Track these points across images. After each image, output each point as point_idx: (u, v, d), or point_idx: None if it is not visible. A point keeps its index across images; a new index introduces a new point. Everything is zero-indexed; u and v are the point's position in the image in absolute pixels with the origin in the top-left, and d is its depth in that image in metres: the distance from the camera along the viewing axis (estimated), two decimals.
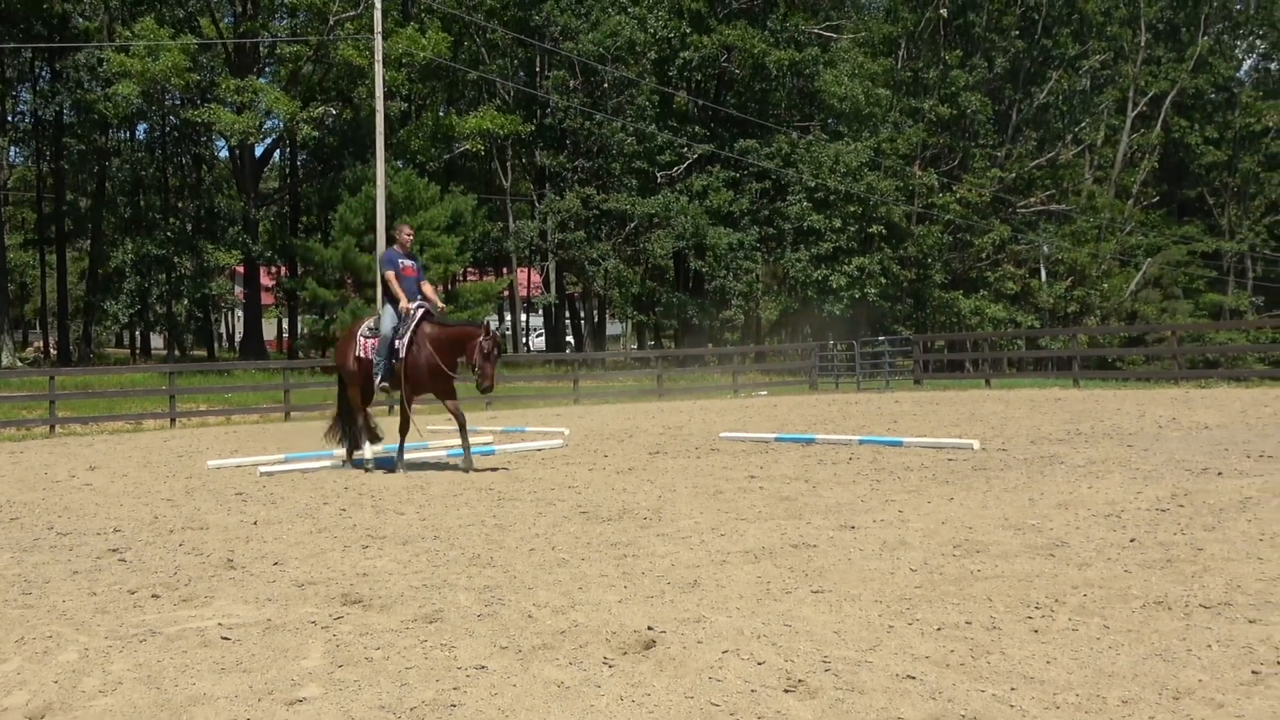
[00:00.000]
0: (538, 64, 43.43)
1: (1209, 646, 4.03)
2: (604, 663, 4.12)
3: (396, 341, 11.80)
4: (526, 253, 44.85)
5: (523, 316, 49.04)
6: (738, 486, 9.05)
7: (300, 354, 42.42)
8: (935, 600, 4.87)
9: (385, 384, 11.92)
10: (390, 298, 12.07)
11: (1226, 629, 4.24)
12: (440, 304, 12.35)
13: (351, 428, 12.52)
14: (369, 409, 12.79)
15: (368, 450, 12.26)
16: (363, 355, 12.21)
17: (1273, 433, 12.04)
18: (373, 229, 31.20)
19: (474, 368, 11.63)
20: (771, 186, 41.80)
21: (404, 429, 12.12)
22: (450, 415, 12.12)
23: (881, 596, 4.98)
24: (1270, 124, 57.29)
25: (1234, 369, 30.05)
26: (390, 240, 13.27)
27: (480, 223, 39.40)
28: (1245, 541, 5.91)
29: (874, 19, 50.36)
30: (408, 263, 12.24)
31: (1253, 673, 3.72)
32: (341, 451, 12.61)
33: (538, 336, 56.12)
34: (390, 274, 12.07)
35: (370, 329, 12.28)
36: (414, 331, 11.78)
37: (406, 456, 12.20)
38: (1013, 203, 47.02)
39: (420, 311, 11.90)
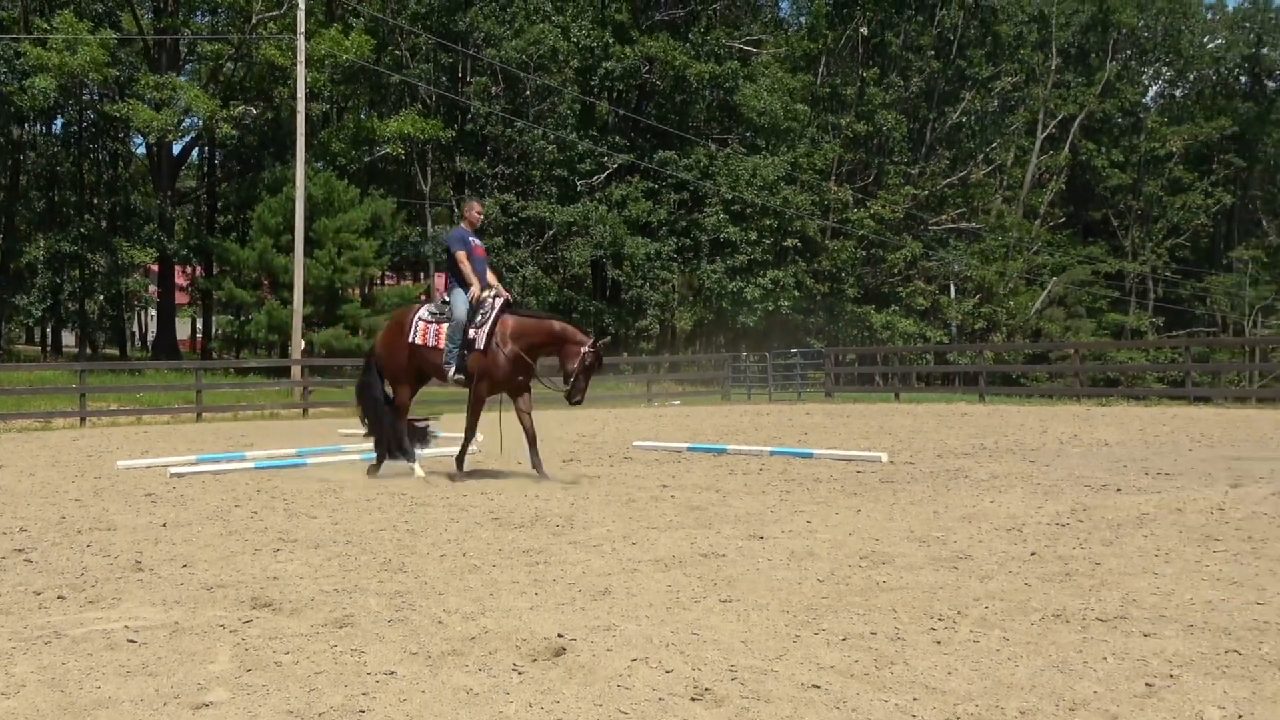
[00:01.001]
0: (460, 70, 43.20)
1: (1105, 659, 4.12)
2: (513, 670, 4.12)
3: (473, 331, 10.70)
4: (445, 257, 44.49)
5: None
6: (650, 495, 9.09)
7: (214, 354, 41.76)
8: (841, 610, 4.93)
9: (459, 376, 10.78)
10: (460, 280, 10.94)
11: (1122, 642, 4.34)
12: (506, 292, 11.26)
13: (394, 431, 11.09)
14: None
15: (419, 468, 11.05)
16: (419, 341, 10.95)
17: (1170, 451, 12.40)
18: (291, 230, 30.86)
19: (570, 376, 10.60)
20: (689, 198, 42.05)
21: (471, 432, 11.15)
22: (519, 421, 10.94)
23: (789, 606, 5.03)
24: (1174, 149, 59.04)
25: (1134, 388, 30.85)
26: (457, 218, 11.90)
27: (399, 227, 39.21)
28: (1141, 557, 6.07)
29: (795, 35, 50.91)
30: (477, 242, 11.27)
31: (1146, 685, 3.81)
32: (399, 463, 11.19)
33: None
34: (462, 254, 10.99)
35: (432, 313, 11.04)
36: (495, 323, 10.73)
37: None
38: (925, 220, 47.82)
39: (500, 301, 10.91)
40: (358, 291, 39.67)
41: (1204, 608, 4.86)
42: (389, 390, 11.32)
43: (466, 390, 11.06)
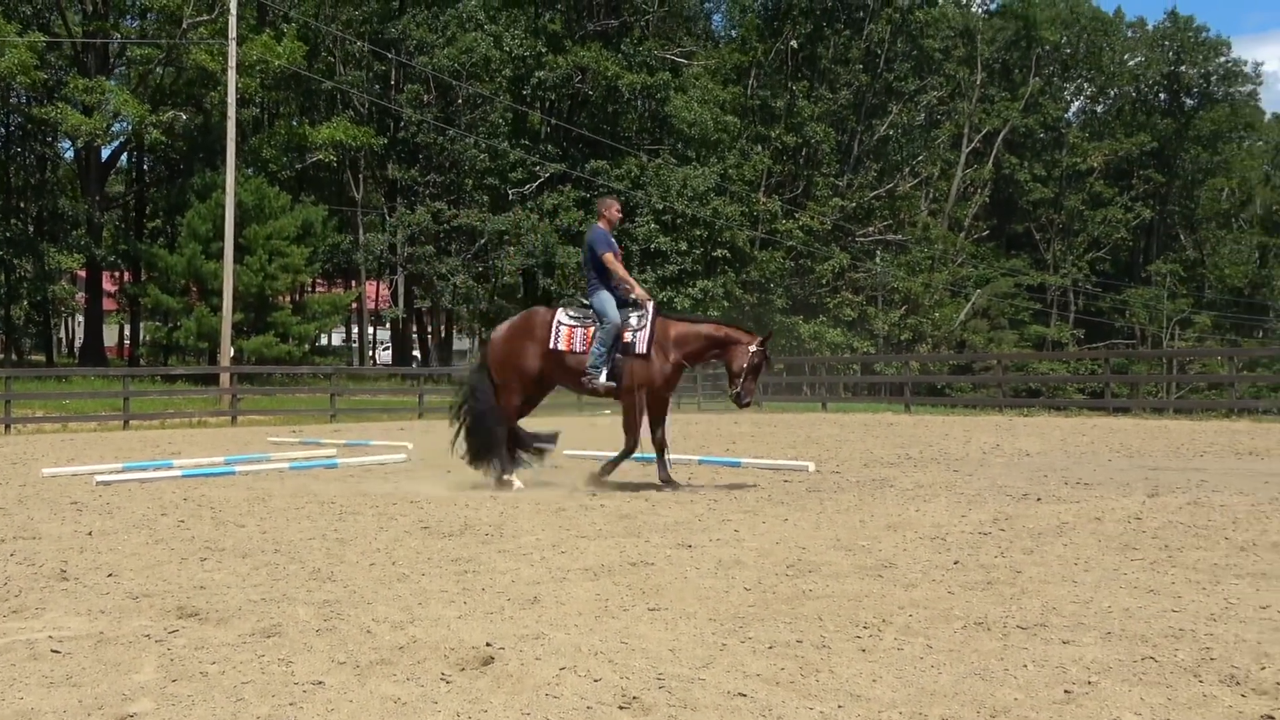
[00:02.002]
0: (393, 77, 43.02)
1: (1025, 666, 4.16)
2: (442, 679, 4.10)
3: (629, 334, 10.17)
4: (376, 265, 44.33)
5: (370, 330, 48.37)
6: (579, 504, 9.09)
7: (142, 361, 41.09)
8: (768, 619, 4.97)
9: (612, 384, 10.13)
10: (604, 282, 10.37)
11: (1042, 649, 4.39)
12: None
13: (503, 444, 10.38)
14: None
15: (517, 481, 10.33)
16: (563, 347, 10.27)
17: (1089, 461, 12.63)
18: (220, 236, 30.55)
19: (738, 378, 10.22)
20: (621, 207, 42.06)
21: (635, 443, 10.43)
22: (652, 431, 10.44)
23: (716, 614, 5.06)
24: (1095, 164, 60.31)
25: (1054, 398, 31.40)
26: (593, 217, 10.64)
27: (330, 234, 38.92)
28: (1061, 565, 6.16)
29: (726, 47, 51.26)
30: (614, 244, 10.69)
31: (1065, 692, 3.86)
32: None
33: (384, 350, 55.42)
34: (610, 255, 10.43)
35: (574, 317, 10.40)
36: (654, 326, 10.25)
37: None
38: (852, 231, 48.34)
39: (651, 303, 10.47)
40: (288, 299, 39.29)
41: (1121, 615, 4.92)
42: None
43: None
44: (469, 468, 10.55)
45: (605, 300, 10.27)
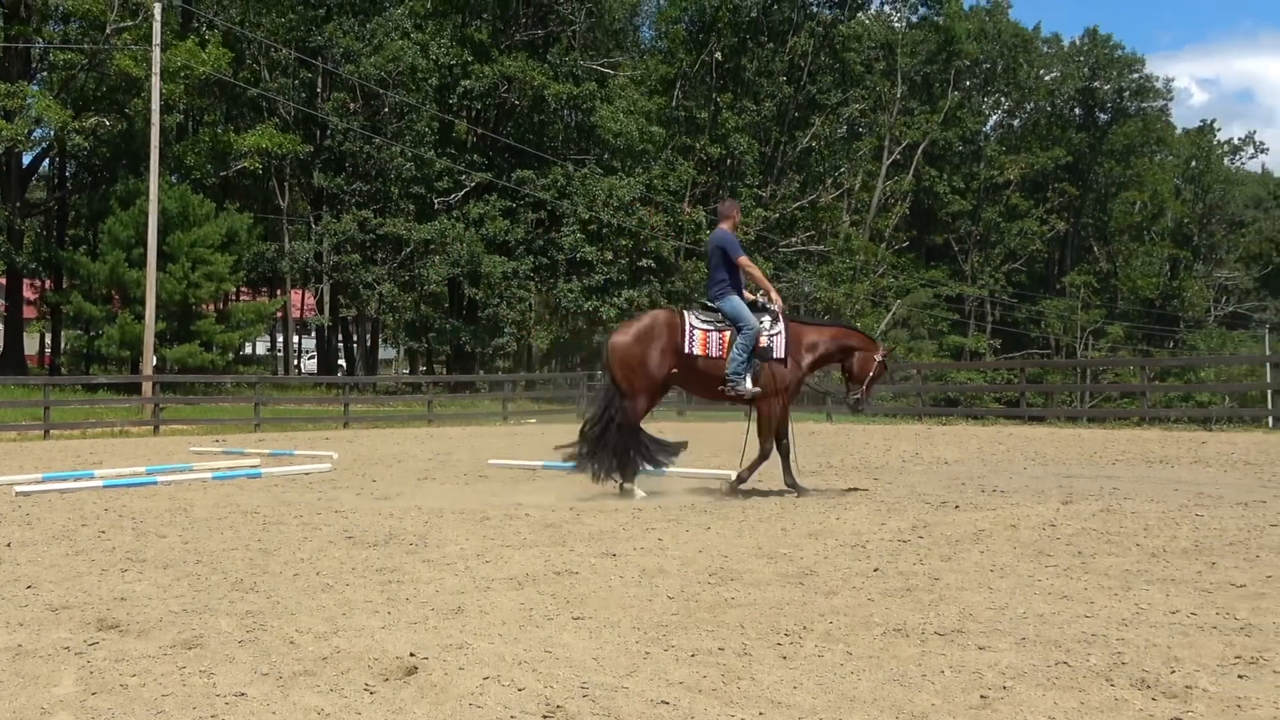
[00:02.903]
0: (319, 85, 42.59)
1: (942, 672, 4.21)
2: (365, 689, 4.08)
3: (765, 339, 10.05)
4: (301, 274, 43.83)
5: (295, 338, 47.83)
6: (504, 513, 9.07)
7: (63, 370, 40.25)
8: (691, 627, 4.99)
9: (757, 389, 10.06)
10: (734, 285, 10.23)
11: (959, 655, 4.44)
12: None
13: (629, 449, 10.16)
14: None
15: (639, 490, 10.17)
16: (698, 351, 10.08)
17: (1005, 468, 12.84)
18: (144, 244, 30.12)
19: (862, 383, 10.40)
20: (547, 217, 42.14)
21: (769, 450, 10.43)
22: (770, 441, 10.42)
23: (640, 623, 5.08)
24: (1011, 177, 61.37)
25: (972, 407, 31.92)
26: (716, 220, 10.21)
27: (255, 242, 38.48)
28: (978, 572, 6.24)
29: (652, 58, 51.44)
30: None
31: (981, 697, 3.91)
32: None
33: (309, 359, 54.80)
34: (747, 259, 10.37)
35: (705, 321, 10.19)
36: (787, 331, 10.22)
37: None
38: (776, 242, 48.69)
39: (782, 307, 10.40)
40: (212, 307, 38.76)
41: (1036, 621, 4.99)
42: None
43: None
44: (590, 479, 10.33)
45: (739, 304, 10.16)
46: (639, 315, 11.02)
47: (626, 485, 10.14)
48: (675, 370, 10.20)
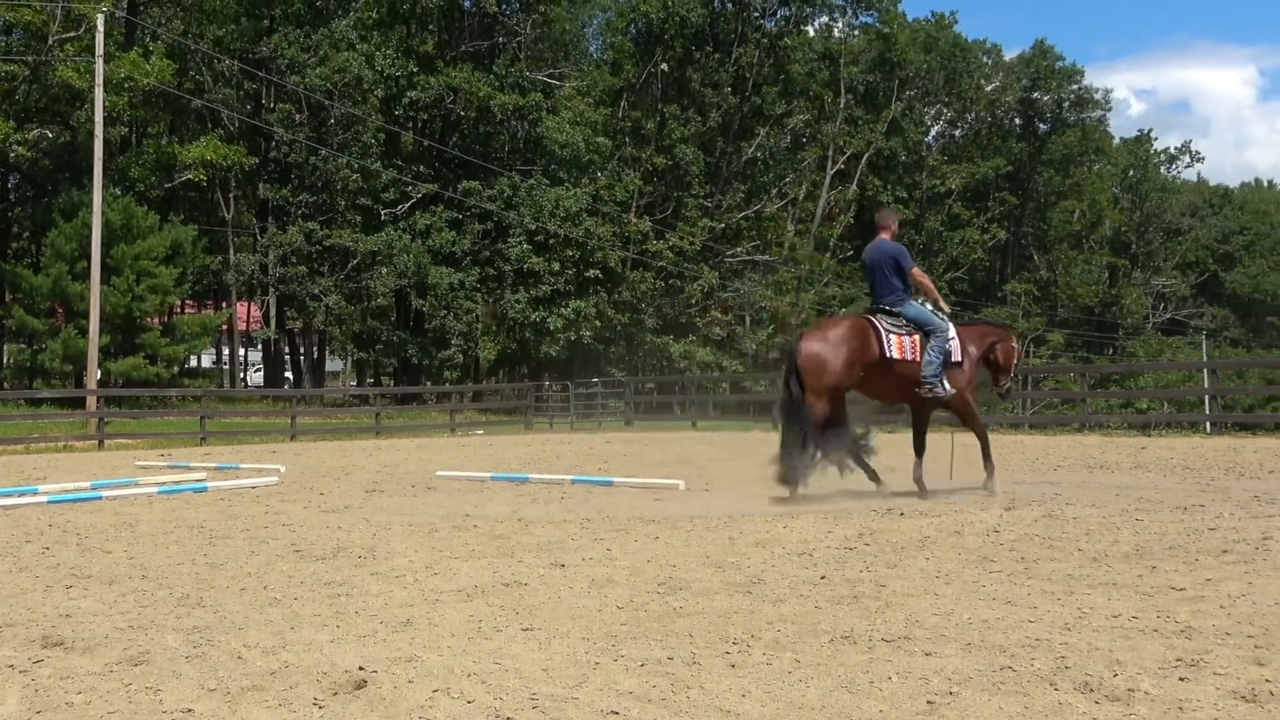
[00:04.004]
0: (264, 96, 42.29)
1: (889, 678, 4.23)
2: (314, 703, 4.05)
3: (950, 343, 10.44)
4: (247, 286, 43.45)
5: (241, 351, 47.39)
6: (452, 525, 9.03)
7: (4, 385, 39.60)
8: (640, 637, 5.00)
9: (953, 391, 10.41)
10: (908, 292, 10.59)
11: (905, 661, 4.47)
12: None
13: (804, 453, 10.26)
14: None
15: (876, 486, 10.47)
16: (897, 355, 10.30)
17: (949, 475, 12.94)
18: (87, 256, 29.78)
19: (1005, 373, 11.06)
20: (493, 228, 42.09)
21: (988, 450, 10.81)
22: (918, 435, 10.90)
23: (589, 634, 5.08)
24: (953, 186, 61.97)
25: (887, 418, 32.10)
26: (877, 230, 10.96)
27: (200, 254, 38.15)
28: (923, 578, 6.28)
29: (599, 70, 51.54)
30: None
31: (928, 702, 3.93)
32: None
33: (256, 371, 54.30)
34: (918, 270, 10.78)
35: (896, 325, 10.41)
36: (960, 334, 10.62)
37: None
38: (722, 251, 48.89)
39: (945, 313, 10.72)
40: (157, 320, 38.37)
41: (981, 626, 5.02)
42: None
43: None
44: (775, 482, 10.39)
45: (923, 310, 10.50)
46: (829, 321, 11.26)
47: (800, 490, 10.32)
48: (871, 374, 10.41)
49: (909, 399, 10.75)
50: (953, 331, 10.54)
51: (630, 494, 11.48)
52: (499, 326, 44.91)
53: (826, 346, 10.29)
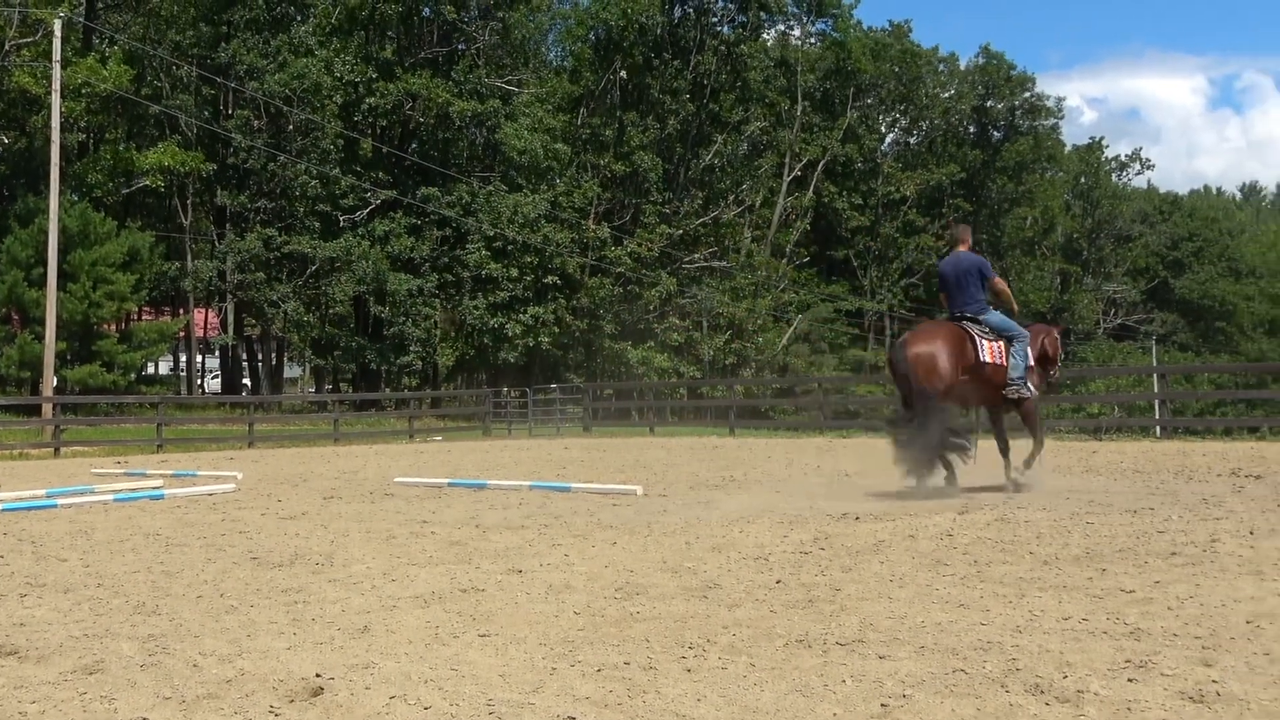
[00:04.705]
0: (222, 102, 41.99)
1: (844, 682, 4.26)
2: (270, 711, 4.04)
3: (1030, 348, 11.18)
4: (205, 293, 43.09)
5: (199, 358, 46.99)
6: (410, 531, 9.02)
7: None
8: (597, 642, 5.02)
9: (1036, 392, 11.22)
10: (986, 299, 11.18)
11: (860, 665, 4.49)
12: None
13: (926, 446, 10.63)
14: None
15: (939, 479, 10.89)
16: (989, 359, 10.82)
17: (904, 480, 13.02)
18: (43, 263, 29.47)
19: (1057, 361, 11.78)
20: (452, 234, 42.00)
21: (1041, 443, 11.55)
22: (1000, 432, 11.52)
23: (546, 639, 5.09)
24: (908, 193, 62.39)
25: (872, 420, 32.30)
26: (956, 244, 11.81)
27: (158, 261, 37.82)
28: (878, 582, 6.31)
29: (558, 77, 51.52)
30: None
31: (882, 705, 3.95)
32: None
33: (214, 378, 53.84)
34: (999, 279, 11.45)
35: (984, 332, 10.94)
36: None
37: None
38: (679, 258, 48.98)
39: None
40: (114, 327, 38.00)
41: (934, 629, 5.05)
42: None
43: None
44: (907, 475, 10.83)
45: (1004, 318, 11.14)
46: (926, 327, 11.63)
47: (934, 484, 10.78)
48: (968, 377, 10.81)
49: (992, 402, 11.30)
50: (1025, 339, 11.14)
51: (588, 500, 11.47)
52: (457, 333, 44.77)
53: (936, 347, 10.72)
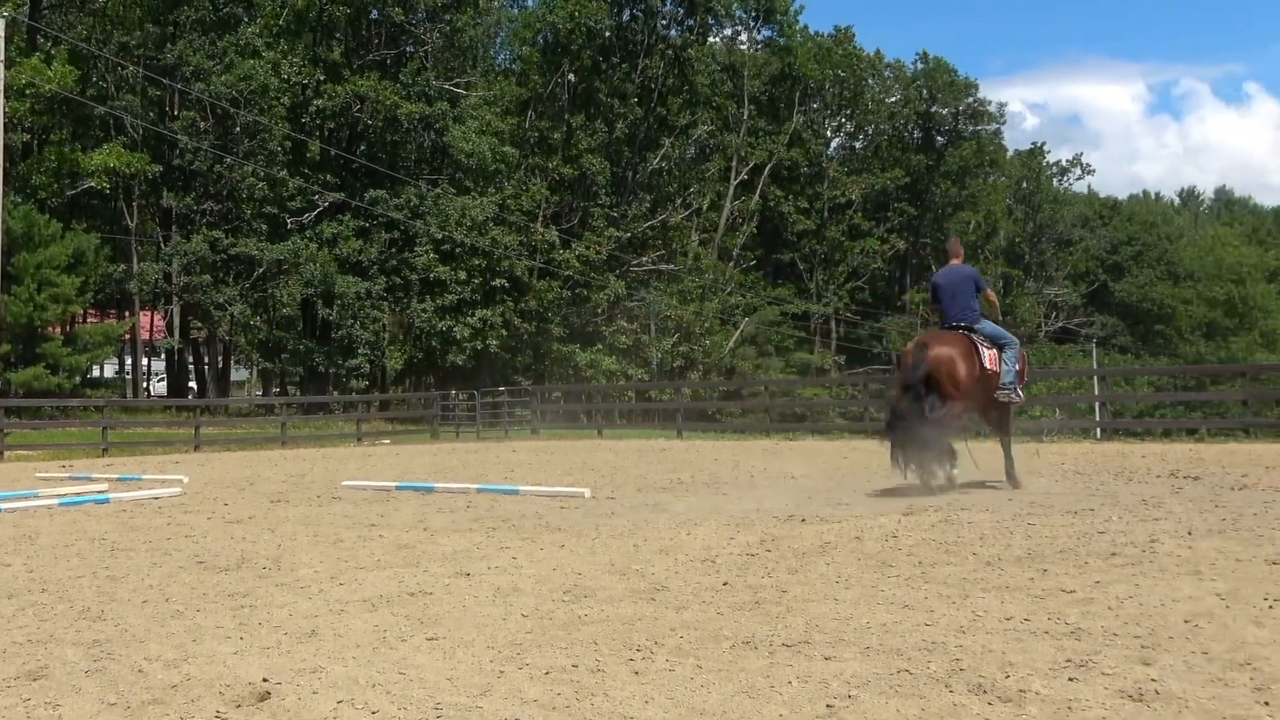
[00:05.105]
0: (168, 103, 41.50)
1: (790, 683, 4.28)
2: (216, 716, 4.01)
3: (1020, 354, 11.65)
4: (151, 295, 42.54)
5: (144, 361, 46.36)
6: (358, 535, 8.97)
7: None
8: (545, 645, 5.02)
9: (1023, 398, 11.82)
10: (980, 310, 11.61)
11: (805, 666, 4.51)
12: None
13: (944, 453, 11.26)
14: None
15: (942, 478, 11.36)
16: (991, 367, 11.30)
17: (850, 482, 13.12)
18: None
19: (1025, 377, 12.08)
20: (400, 237, 41.79)
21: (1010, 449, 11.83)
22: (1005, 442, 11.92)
23: (494, 642, 5.08)
24: (854, 197, 62.84)
25: (818, 422, 32.58)
26: (950, 256, 12.39)
27: (103, 263, 37.29)
28: (824, 583, 6.33)
29: (506, 80, 51.40)
30: None
31: (827, 706, 3.97)
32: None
33: (159, 381, 53.12)
34: (991, 291, 11.89)
35: (984, 340, 11.42)
36: None
37: None
38: (627, 261, 49.04)
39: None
40: (59, 329, 37.46)
41: (879, 630, 5.08)
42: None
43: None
44: (903, 472, 11.14)
45: (996, 327, 11.65)
46: (938, 333, 11.68)
47: (935, 484, 11.18)
48: (976, 383, 11.24)
49: (988, 407, 11.78)
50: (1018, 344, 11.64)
51: (536, 502, 11.46)
52: (406, 335, 44.56)
53: (956, 351, 11.12)
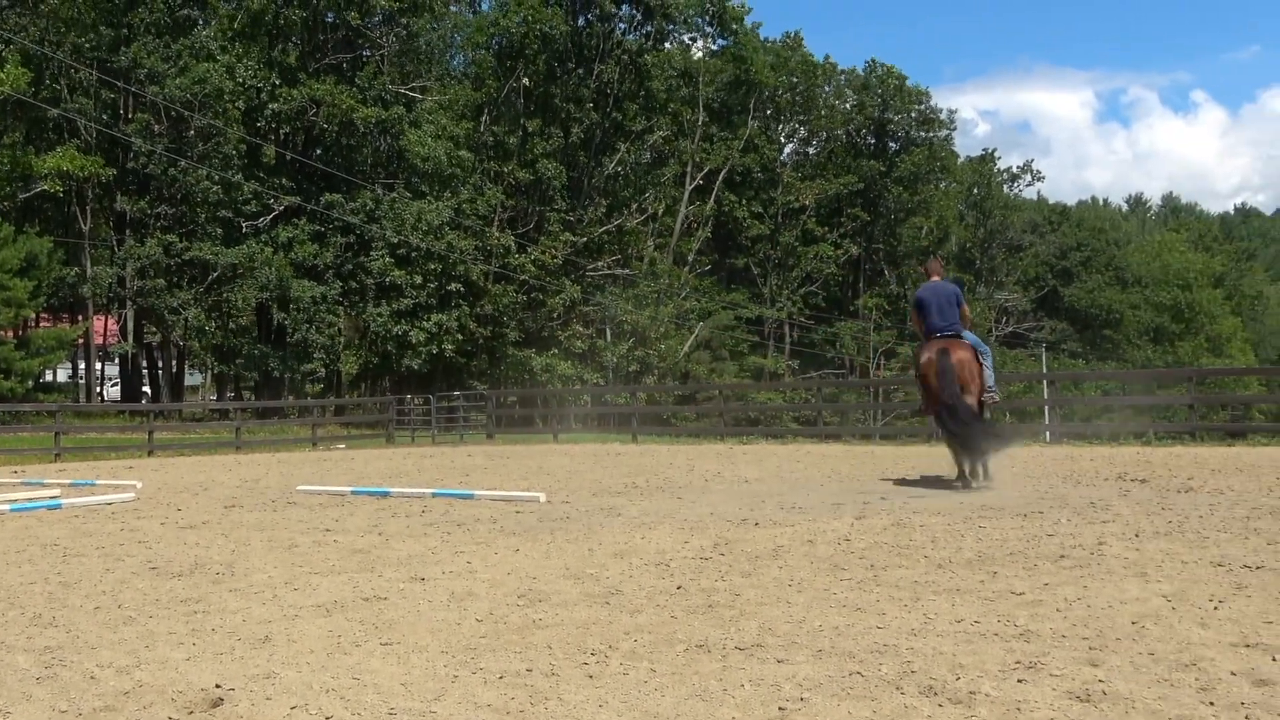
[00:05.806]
0: (122, 106, 41.06)
1: (743, 686, 4.31)
2: None
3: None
4: (104, 299, 42.05)
5: (98, 365, 45.80)
6: (312, 540, 8.93)
7: None
8: (499, 649, 5.03)
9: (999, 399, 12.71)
10: (962, 323, 12.51)
11: (758, 669, 4.54)
12: None
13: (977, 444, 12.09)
14: None
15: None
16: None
17: (803, 486, 13.18)
18: None
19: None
20: (356, 241, 41.57)
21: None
22: None
23: (448, 647, 5.09)
24: (807, 202, 63.16)
25: (772, 427, 32.77)
26: (929, 274, 13.53)
27: (56, 266, 36.82)
28: (777, 587, 6.37)
29: (461, 85, 51.23)
30: None
31: (779, 709, 4.00)
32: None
33: (113, 386, 52.49)
34: (967, 306, 12.79)
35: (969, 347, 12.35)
36: None
37: None
38: (583, 265, 49.02)
39: None
40: (11, 334, 36.97)
41: (832, 633, 5.12)
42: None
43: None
44: (968, 458, 12.13)
45: (976, 337, 12.54)
46: (948, 340, 12.37)
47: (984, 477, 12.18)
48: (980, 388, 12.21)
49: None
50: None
51: (491, 507, 11.45)
52: (361, 340, 44.33)
53: (970, 358, 12.14)
